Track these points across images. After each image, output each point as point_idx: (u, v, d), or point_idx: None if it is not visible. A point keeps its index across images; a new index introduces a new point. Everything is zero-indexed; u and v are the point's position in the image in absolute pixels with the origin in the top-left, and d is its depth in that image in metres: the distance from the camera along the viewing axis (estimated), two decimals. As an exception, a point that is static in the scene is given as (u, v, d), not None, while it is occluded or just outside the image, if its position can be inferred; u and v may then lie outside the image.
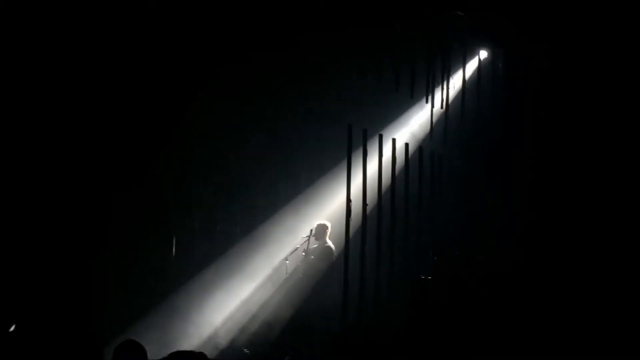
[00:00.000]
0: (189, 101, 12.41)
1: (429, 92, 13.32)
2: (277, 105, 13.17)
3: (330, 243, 12.40)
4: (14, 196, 11.35)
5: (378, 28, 12.68)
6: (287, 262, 12.28)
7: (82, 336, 8.74)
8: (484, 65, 13.90)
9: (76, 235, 11.67)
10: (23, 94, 11.27)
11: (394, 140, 12.07)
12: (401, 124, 13.63)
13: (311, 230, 12.45)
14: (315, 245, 12.38)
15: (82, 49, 11.57)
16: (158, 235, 12.70)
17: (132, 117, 12.04)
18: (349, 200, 11.24)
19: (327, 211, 13.06)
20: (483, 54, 13.97)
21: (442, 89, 13.54)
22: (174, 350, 7.36)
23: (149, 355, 7.29)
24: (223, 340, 11.97)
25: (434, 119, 13.48)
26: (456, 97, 13.76)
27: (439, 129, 13.46)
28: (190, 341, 11.66)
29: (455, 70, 13.78)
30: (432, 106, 13.41)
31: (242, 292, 12.52)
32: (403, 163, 12.14)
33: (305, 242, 12.29)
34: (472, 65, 13.97)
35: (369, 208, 11.44)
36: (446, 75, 13.54)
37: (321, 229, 12.43)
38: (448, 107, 13.61)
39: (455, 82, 13.69)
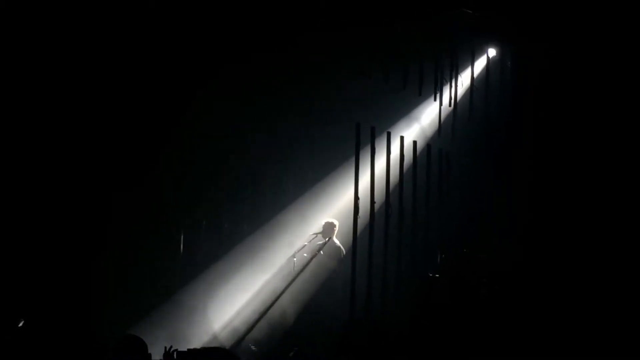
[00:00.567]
0: (193, 101, 12.40)
1: (437, 90, 13.29)
2: (285, 103, 13.15)
3: (338, 242, 12.38)
4: (16, 197, 11.39)
5: (387, 26, 12.67)
6: (295, 259, 12.27)
7: (86, 333, 8.75)
8: (492, 64, 13.84)
9: (81, 234, 11.71)
10: (22, 94, 11.27)
11: (402, 138, 12.04)
12: (409, 122, 13.61)
13: (316, 232, 12.46)
14: (322, 242, 12.36)
15: (82, 49, 11.56)
16: (163, 234, 12.71)
17: (136, 117, 12.06)
18: (356, 198, 11.21)
19: (334, 209, 13.05)
20: (492, 52, 13.92)
21: (451, 86, 13.51)
22: (181, 346, 7.41)
23: (157, 351, 7.32)
24: (230, 337, 11.96)
25: (443, 117, 13.44)
26: (464, 95, 13.73)
27: (447, 127, 13.42)
28: (198, 338, 11.66)
29: (464, 69, 13.74)
30: (441, 104, 13.38)
31: (249, 289, 12.52)
32: (411, 161, 12.10)
33: (312, 239, 12.27)
34: (480, 64, 13.92)
35: (376, 206, 11.41)
36: (454, 73, 13.50)
37: (329, 227, 12.42)
38: (456, 105, 13.57)
39: (464, 80, 13.64)
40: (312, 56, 12.88)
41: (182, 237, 12.97)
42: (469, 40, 13.59)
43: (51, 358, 7.63)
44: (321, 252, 12.25)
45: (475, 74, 13.77)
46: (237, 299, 12.47)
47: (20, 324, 8.67)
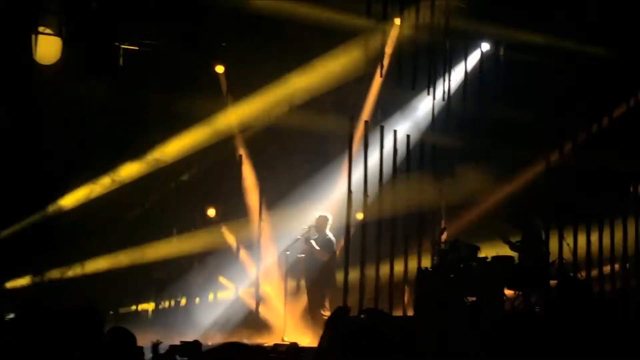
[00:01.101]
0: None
1: (430, 84, 13.27)
2: (278, 97, 13.14)
3: (330, 235, 12.35)
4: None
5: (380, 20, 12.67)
6: (288, 253, 12.24)
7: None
8: (486, 58, 13.84)
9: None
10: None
11: (395, 132, 12.02)
12: (403, 116, 13.59)
13: (310, 225, 12.43)
14: (316, 237, 12.33)
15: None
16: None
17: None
18: (350, 191, 11.19)
19: (328, 203, 13.04)
20: (485, 46, 13.90)
21: (444, 81, 13.48)
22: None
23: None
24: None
25: (436, 111, 13.43)
26: (458, 89, 13.72)
27: (440, 121, 13.42)
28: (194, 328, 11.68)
29: (457, 63, 13.72)
30: (434, 98, 13.36)
31: (243, 282, 12.54)
32: (404, 155, 12.08)
33: (306, 233, 12.24)
34: (474, 58, 13.91)
35: (370, 199, 11.39)
36: (448, 67, 13.48)
37: (322, 221, 12.37)
38: (450, 99, 13.55)
39: (457, 74, 13.63)
40: (307, 50, 12.87)
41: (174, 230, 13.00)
42: (462, 34, 13.58)
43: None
44: (315, 245, 12.21)
45: (469, 68, 13.76)
46: (232, 289, 12.49)
47: (10, 317, 8.62)
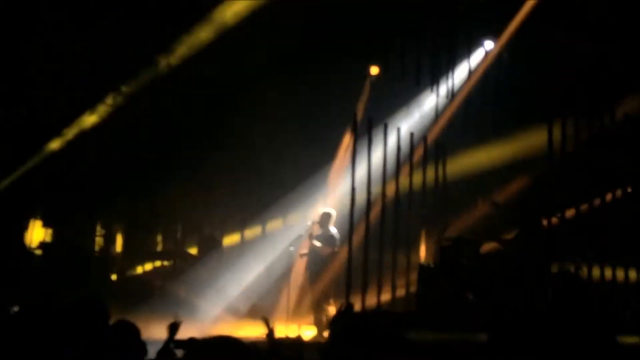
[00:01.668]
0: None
1: (434, 82, 13.29)
2: (282, 93, 13.13)
3: (334, 231, 12.35)
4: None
5: (385, 18, 12.69)
6: (292, 248, 12.25)
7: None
8: (489, 55, 13.84)
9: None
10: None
11: (398, 130, 12.02)
12: (406, 113, 13.60)
13: (313, 220, 12.44)
14: (320, 232, 12.34)
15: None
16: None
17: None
18: (353, 188, 11.20)
19: (331, 198, 13.05)
20: (488, 44, 13.91)
21: (448, 78, 13.50)
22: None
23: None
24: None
25: (440, 108, 13.45)
26: (461, 87, 13.73)
27: (444, 118, 13.44)
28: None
29: (461, 60, 13.74)
30: (437, 95, 13.38)
31: (247, 277, 12.54)
32: (408, 152, 12.08)
33: (309, 229, 12.26)
34: (477, 56, 13.92)
35: (373, 196, 11.39)
36: (452, 65, 13.50)
37: (325, 217, 12.38)
38: (453, 97, 13.56)
39: (461, 72, 13.65)
40: (312, 47, 12.88)
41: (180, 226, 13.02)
42: (466, 32, 13.59)
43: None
44: (317, 243, 12.22)
45: (472, 66, 13.76)
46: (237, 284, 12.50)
47: (15, 309, 8.64)
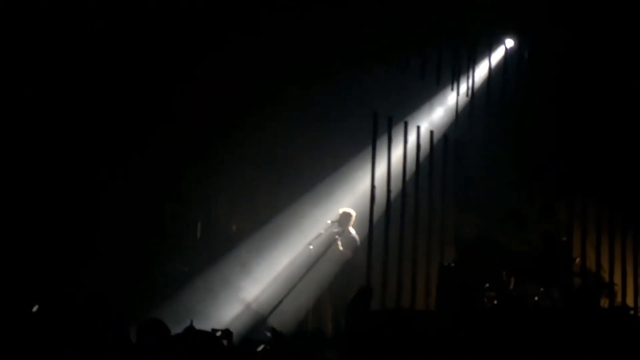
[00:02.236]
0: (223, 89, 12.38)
1: (454, 80, 13.27)
2: (305, 91, 13.13)
3: (354, 232, 12.34)
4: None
5: (406, 17, 12.69)
6: (311, 247, 12.24)
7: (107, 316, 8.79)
8: (510, 54, 13.81)
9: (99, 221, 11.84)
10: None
11: (418, 128, 12.00)
12: (427, 112, 13.58)
13: (332, 220, 12.44)
14: (338, 230, 12.33)
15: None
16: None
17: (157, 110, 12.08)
18: (373, 186, 11.19)
19: (351, 197, 13.03)
20: (509, 42, 13.86)
21: (468, 77, 13.48)
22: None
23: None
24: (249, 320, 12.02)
25: (460, 107, 13.44)
26: (481, 85, 13.71)
27: (464, 117, 13.42)
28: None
29: (482, 59, 13.72)
30: (458, 94, 13.37)
31: (267, 275, 12.56)
32: (428, 150, 12.05)
33: (328, 228, 12.25)
34: (498, 54, 13.88)
35: (393, 195, 11.37)
36: (472, 63, 13.48)
37: (345, 217, 12.37)
38: (474, 95, 13.55)
39: (481, 70, 13.63)
40: (334, 46, 12.88)
41: (199, 224, 13.05)
42: (487, 30, 13.56)
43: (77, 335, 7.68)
44: (338, 242, 12.22)
45: (493, 64, 13.74)
46: (255, 285, 12.52)
47: (35, 309, 8.70)
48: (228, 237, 12.99)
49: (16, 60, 11.43)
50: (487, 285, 10.89)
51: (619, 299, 11.14)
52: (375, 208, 11.19)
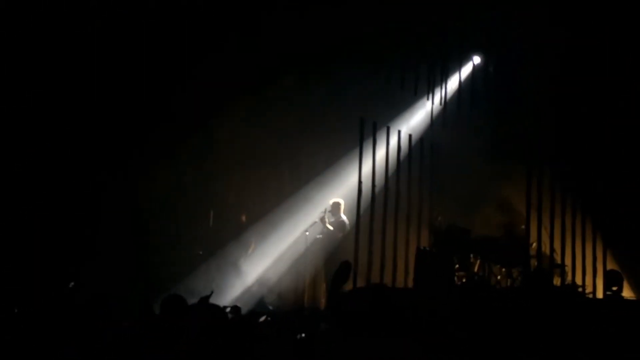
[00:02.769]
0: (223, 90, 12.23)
1: (430, 91, 13.31)
2: (304, 99, 13.15)
3: (344, 217, 12.41)
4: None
5: (389, 37, 12.70)
6: (307, 233, 12.29)
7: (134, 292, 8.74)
8: (477, 69, 13.85)
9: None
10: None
11: (399, 132, 12.02)
12: (406, 118, 13.61)
13: (325, 208, 12.47)
14: (332, 220, 12.39)
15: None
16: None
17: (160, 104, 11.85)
18: (360, 182, 11.23)
19: (342, 190, 13.06)
20: (476, 59, 13.91)
21: (441, 88, 13.51)
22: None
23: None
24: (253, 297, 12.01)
25: (434, 114, 13.47)
26: (453, 95, 13.74)
27: (438, 122, 13.46)
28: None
29: (453, 72, 13.74)
30: (433, 102, 13.41)
31: (272, 254, 12.56)
32: (407, 151, 12.08)
33: (322, 216, 12.29)
34: (467, 68, 13.93)
35: (377, 189, 11.41)
36: (445, 76, 13.51)
37: (336, 206, 12.47)
38: (446, 104, 13.58)
39: (453, 82, 13.66)
40: (327, 61, 12.89)
41: (211, 213, 13.04)
42: (457, 48, 13.58)
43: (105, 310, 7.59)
44: (330, 227, 12.29)
45: (463, 77, 13.76)
46: (258, 266, 12.52)
47: (71, 285, 8.67)
48: (237, 226, 12.97)
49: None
50: (457, 266, 11.00)
51: (569, 278, 11.14)
52: (362, 200, 11.23)
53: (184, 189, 12.79)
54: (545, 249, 11.13)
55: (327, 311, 10.94)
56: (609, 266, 11.37)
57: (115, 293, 8.62)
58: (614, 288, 10.39)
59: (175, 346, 6.82)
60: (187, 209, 12.79)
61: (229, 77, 12.39)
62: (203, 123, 12.57)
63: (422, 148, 12.18)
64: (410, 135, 12.20)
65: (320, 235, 12.35)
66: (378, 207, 11.26)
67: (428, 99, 13.49)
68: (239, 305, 9.29)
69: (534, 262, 10.89)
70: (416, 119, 13.77)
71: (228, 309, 8.63)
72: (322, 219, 12.21)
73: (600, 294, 11.01)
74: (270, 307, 11.92)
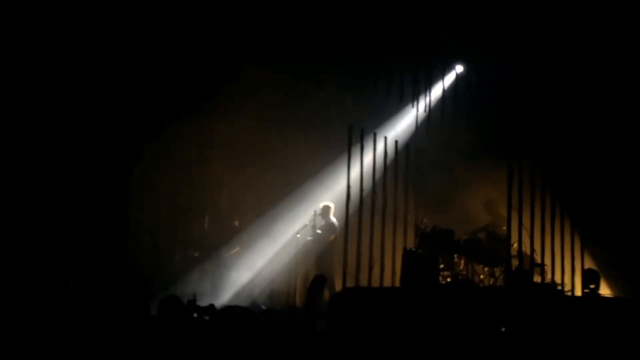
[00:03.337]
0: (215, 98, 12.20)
1: (414, 99, 13.37)
2: (294, 108, 13.19)
3: (334, 220, 12.46)
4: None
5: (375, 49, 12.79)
6: (298, 236, 12.34)
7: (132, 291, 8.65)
8: (459, 78, 13.94)
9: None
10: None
11: (385, 138, 12.09)
12: (392, 125, 13.68)
13: (315, 210, 12.53)
14: (322, 223, 12.45)
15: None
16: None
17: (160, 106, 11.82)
18: (348, 186, 11.29)
19: (331, 194, 13.13)
20: (459, 68, 14.00)
21: (426, 96, 13.58)
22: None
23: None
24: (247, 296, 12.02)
25: (419, 121, 13.54)
26: (437, 103, 13.82)
27: (422, 129, 13.54)
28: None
29: (437, 81, 13.82)
30: (417, 110, 13.47)
31: (265, 256, 12.58)
32: (393, 156, 12.15)
33: (313, 219, 12.34)
34: (450, 77, 14.01)
35: (364, 192, 11.47)
36: (429, 85, 13.58)
37: (325, 209, 12.53)
38: (430, 111, 13.65)
39: (437, 91, 13.75)
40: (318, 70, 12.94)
41: (206, 218, 13.04)
42: (441, 58, 13.66)
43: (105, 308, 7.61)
44: (319, 230, 12.34)
45: (446, 86, 13.85)
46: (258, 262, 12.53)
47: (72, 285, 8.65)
48: (230, 230, 12.98)
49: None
50: (442, 266, 11.09)
51: (548, 276, 11.22)
52: (350, 203, 11.28)
53: (179, 193, 12.80)
54: (526, 249, 11.20)
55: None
56: (587, 265, 11.46)
57: (111, 294, 8.60)
58: (592, 286, 10.49)
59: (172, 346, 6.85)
60: (183, 212, 12.79)
61: (225, 83, 12.38)
62: (197, 129, 12.54)
63: (407, 153, 12.26)
64: (396, 142, 12.28)
65: (311, 237, 12.40)
66: (366, 210, 11.32)
67: (413, 106, 13.55)
68: (232, 305, 9.31)
69: (515, 262, 10.95)
70: (402, 125, 13.84)
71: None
72: (314, 225, 12.24)
73: (578, 292, 11.10)
74: (263, 307, 11.96)
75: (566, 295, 10.79)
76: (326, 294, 11.79)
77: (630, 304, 9.72)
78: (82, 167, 11.31)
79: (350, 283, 10.73)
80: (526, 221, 11.15)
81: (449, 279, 11.04)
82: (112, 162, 11.74)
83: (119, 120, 11.51)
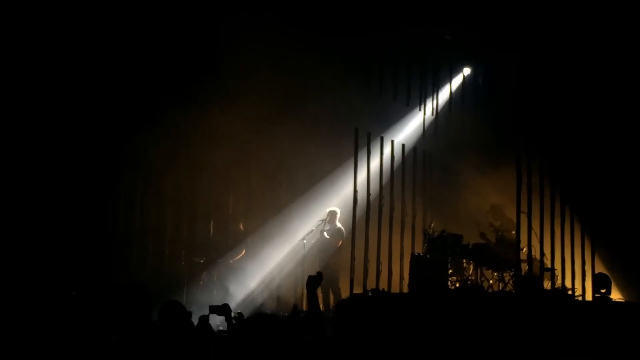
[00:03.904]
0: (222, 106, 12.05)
1: (421, 102, 13.18)
2: (298, 111, 12.95)
3: (340, 225, 12.19)
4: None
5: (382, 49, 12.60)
6: (304, 241, 12.07)
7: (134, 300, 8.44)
8: (467, 80, 13.73)
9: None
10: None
11: (392, 142, 11.89)
12: (399, 128, 13.47)
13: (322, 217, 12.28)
14: (328, 228, 12.18)
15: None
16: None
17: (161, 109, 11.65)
18: (355, 191, 11.07)
19: (337, 199, 12.88)
20: (466, 70, 13.78)
21: (433, 99, 13.39)
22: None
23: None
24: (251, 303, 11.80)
25: (426, 124, 13.35)
26: (444, 106, 13.62)
27: (430, 132, 13.33)
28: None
29: (444, 85, 13.62)
30: (425, 113, 13.28)
31: (270, 261, 12.37)
32: (400, 160, 11.93)
33: (319, 224, 12.09)
34: (457, 80, 13.81)
35: (372, 197, 11.24)
36: (436, 87, 13.41)
37: (332, 214, 12.24)
38: (437, 114, 13.46)
39: (444, 94, 13.55)
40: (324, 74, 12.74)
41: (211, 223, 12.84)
42: (448, 60, 13.47)
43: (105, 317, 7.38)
44: (326, 234, 12.07)
45: (453, 89, 13.65)
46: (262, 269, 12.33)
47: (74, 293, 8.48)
48: (236, 235, 12.75)
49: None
50: (451, 270, 10.81)
51: (559, 281, 10.97)
52: (357, 208, 11.09)
53: (185, 199, 12.60)
54: (536, 253, 10.95)
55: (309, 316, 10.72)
56: (597, 269, 11.21)
57: (114, 300, 8.40)
58: (603, 290, 10.28)
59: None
60: (188, 218, 12.59)
61: (225, 86, 12.18)
62: (201, 134, 12.34)
63: (415, 157, 12.04)
64: (403, 145, 12.04)
65: (317, 243, 12.13)
66: (373, 214, 11.09)
67: (420, 110, 13.33)
68: (240, 311, 9.04)
69: (524, 266, 10.71)
70: (409, 129, 13.62)
71: (233, 315, 8.39)
72: (321, 230, 12.01)
73: (589, 297, 10.87)
74: (269, 312, 11.66)
75: (577, 300, 10.54)
76: (331, 299, 11.58)
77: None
78: (86, 172, 11.14)
79: (357, 289, 10.47)
80: (536, 225, 10.92)
81: (457, 284, 10.73)
82: (115, 168, 11.57)
83: (123, 125, 11.33)
